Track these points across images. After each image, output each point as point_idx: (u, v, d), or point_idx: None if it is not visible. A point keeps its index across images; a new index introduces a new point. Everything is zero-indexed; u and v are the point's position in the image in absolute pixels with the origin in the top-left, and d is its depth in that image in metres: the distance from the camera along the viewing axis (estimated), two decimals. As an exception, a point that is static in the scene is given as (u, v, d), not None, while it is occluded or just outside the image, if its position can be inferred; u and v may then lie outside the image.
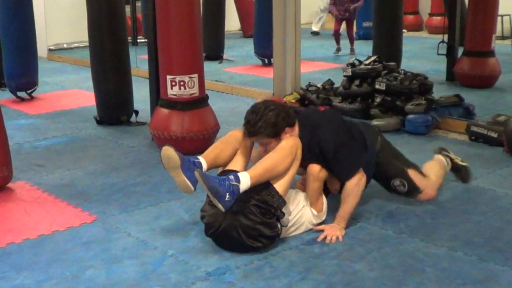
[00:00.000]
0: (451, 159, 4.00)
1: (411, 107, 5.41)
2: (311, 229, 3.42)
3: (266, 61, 9.02)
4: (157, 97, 5.08)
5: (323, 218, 3.48)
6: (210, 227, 3.22)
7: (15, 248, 3.32)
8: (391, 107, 5.62)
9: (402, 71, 5.84)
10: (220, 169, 3.42)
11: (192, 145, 4.68)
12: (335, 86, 6.48)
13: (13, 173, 4.24)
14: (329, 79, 6.68)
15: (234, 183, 3.05)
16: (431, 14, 12.66)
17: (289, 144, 3.26)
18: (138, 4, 11.50)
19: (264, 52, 8.91)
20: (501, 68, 7.35)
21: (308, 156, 3.34)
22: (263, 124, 3.23)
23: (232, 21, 12.45)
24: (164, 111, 4.88)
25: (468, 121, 5.35)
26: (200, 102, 4.89)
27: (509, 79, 7.57)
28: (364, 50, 8.68)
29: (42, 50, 10.59)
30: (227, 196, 3.03)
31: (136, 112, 5.95)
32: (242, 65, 9.42)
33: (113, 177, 4.42)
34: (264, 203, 3.13)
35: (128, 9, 10.58)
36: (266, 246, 3.18)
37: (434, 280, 2.90)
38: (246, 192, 3.10)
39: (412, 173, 3.67)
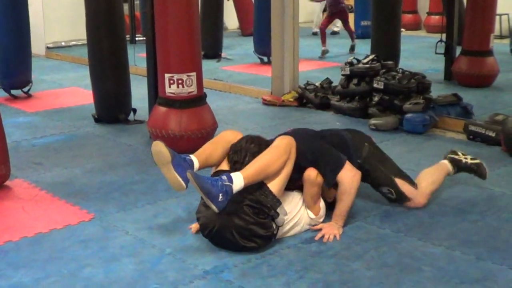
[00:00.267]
0: (460, 162, 3.87)
1: (409, 106, 5.41)
2: (308, 229, 3.42)
3: (266, 59, 9.02)
4: (155, 95, 5.08)
5: (320, 221, 3.46)
6: (205, 228, 3.22)
7: (13, 246, 3.32)
8: (389, 106, 5.63)
9: (400, 70, 5.84)
10: (213, 169, 3.42)
11: (190, 143, 4.68)
12: (333, 85, 6.49)
13: (11, 171, 4.24)
14: (327, 78, 6.69)
15: (227, 183, 3.04)
16: (429, 13, 12.66)
17: (283, 143, 3.26)
18: (137, 2, 11.49)
19: (264, 50, 8.91)
20: (499, 67, 7.35)
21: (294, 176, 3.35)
22: (250, 157, 3.26)
23: (230, 20, 12.46)
24: (162, 109, 4.88)
25: (466, 120, 5.35)
26: (198, 100, 4.89)
27: (507, 78, 7.58)
28: (363, 49, 8.68)
29: (40, 48, 10.61)
30: (220, 197, 3.02)
31: (134, 110, 5.94)
32: (240, 64, 9.41)
33: (111, 175, 4.42)
34: (257, 203, 3.13)
35: (126, 7, 10.57)
36: (261, 246, 3.18)
37: (432, 279, 2.90)
38: (239, 192, 3.10)
39: (400, 182, 3.64)
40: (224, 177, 3.06)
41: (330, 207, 3.51)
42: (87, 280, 2.95)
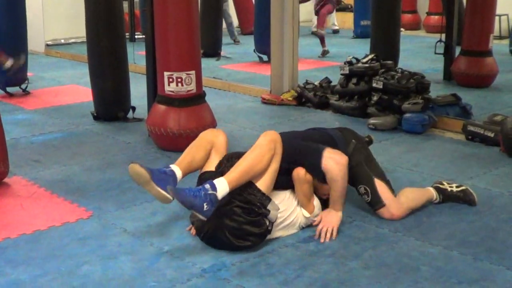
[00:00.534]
0: (445, 191, 3.77)
1: (408, 106, 5.42)
2: (307, 226, 3.42)
3: (265, 58, 9.03)
4: (154, 94, 5.07)
5: (316, 219, 3.46)
6: (200, 231, 3.23)
7: (11, 243, 3.32)
8: (388, 106, 5.63)
9: (400, 70, 5.84)
10: (200, 170, 3.41)
11: (189, 141, 4.60)
12: (333, 84, 6.49)
13: (9, 168, 4.24)
14: (326, 77, 6.69)
15: (211, 192, 3.02)
16: (429, 13, 12.66)
17: (266, 140, 3.24)
18: (136, 0, 11.48)
19: (265, 49, 8.92)
20: (498, 68, 7.35)
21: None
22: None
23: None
24: (161, 107, 4.88)
25: (465, 120, 5.35)
26: (197, 99, 4.89)
27: (506, 78, 7.59)
28: (362, 49, 8.67)
29: (39, 45, 10.61)
30: (205, 206, 2.99)
31: (133, 108, 5.94)
32: (239, 62, 9.41)
33: (109, 173, 4.42)
34: (247, 203, 3.13)
35: (126, 5, 10.56)
36: (256, 243, 3.18)
37: (429, 279, 2.91)
38: (228, 194, 3.10)
39: (379, 183, 3.55)
40: (207, 186, 3.04)
41: (326, 203, 3.51)
42: (85, 277, 2.95)
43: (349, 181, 3.67)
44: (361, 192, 3.59)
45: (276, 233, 3.30)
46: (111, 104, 5.85)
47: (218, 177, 3.13)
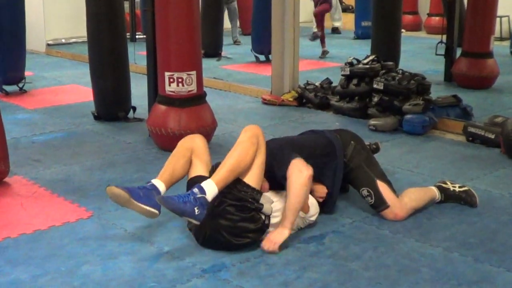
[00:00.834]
0: (447, 190, 3.77)
1: (409, 107, 5.42)
2: (307, 227, 3.43)
3: (263, 57, 9.07)
4: (155, 94, 5.08)
5: (313, 219, 3.46)
6: (198, 237, 3.23)
7: (11, 242, 3.32)
8: (389, 107, 5.63)
9: (400, 71, 5.84)
10: (188, 177, 3.40)
11: (190, 142, 4.68)
12: (333, 85, 6.49)
13: (10, 168, 4.24)
14: (327, 78, 6.69)
15: (200, 195, 3.02)
16: (430, 14, 12.66)
17: (247, 136, 3.24)
18: (137, 0, 11.49)
19: (262, 49, 8.95)
20: (499, 69, 7.36)
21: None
22: None
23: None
24: (162, 107, 4.88)
25: (465, 122, 5.36)
26: (198, 99, 4.89)
27: (507, 80, 7.59)
28: (363, 50, 8.67)
29: (40, 44, 10.62)
30: (196, 211, 2.99)
31: (134, 108, 5.94)
32: (240, 63, 9.41)
33: (110, 173, 4.42)
34: (239, 200, 3.13)
35: (127, 5, 10.57)
36: (255, 239, 3.18)
37: (429, 280, 2.91)
38: (218, 195, 3.10)
39: (381, 185, 3.54)
40: (196, 190, 3.04)
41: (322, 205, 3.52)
42: (85, 277, 2.95)
43: (351, 184, 3.69)
44: (364, 194, 3.58)
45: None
46: (111, 104, 5.85)
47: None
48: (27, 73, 7.44)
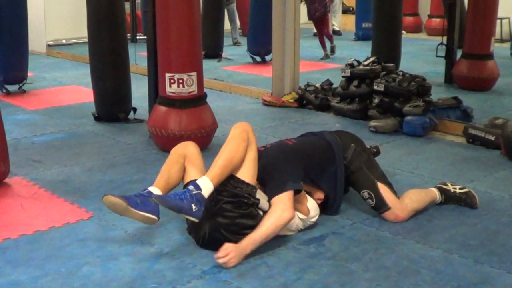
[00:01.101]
0: (448, 191, 3.77)
1: (409, 108, 5.42)
2: (307, 229, 3.42)
3: (259, 59, 9.09)
4: (156, 95, 5.08)
5: (313, 221, 3.46)
6: (198, 239, 3.22)
7: (11, 243, 3.32)
8: (389, 108, 5.63)
9: (401, 73, 5.84)
10: (183, 183, 3.41)
11: (190, 143, 4.68)
12: (334, 86, 6.49)
13: (10, 169, 4.24)
14: (328, 79, 6.69)
15: (196, 192, 3.05)
16: (430, 16, 12.67)
17: (237, 132, 3.27)
18: (138, 1, 11.50)
19: (258, 50, 8.98)
20: (499, 71, 7.36)
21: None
22: None
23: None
24: (162, 108, 4.88)
25: (466, 123, 5.36)
26: (198, 100, 4.89)
27: (507, 82, 7.59)
28: (363, 51, 8.68)
29: (41, 45, 10.62)
30: (194, 207, 3.01)
31: (134, 109, 5.94)
32: (241, 64, 9.42)
33: (110, 174, 4.43)
34: (234, 197, 3.13)
35: (127, 5, 10.58)
36: None
37: (429, 282, 2.90)
38: (214, 193, 3.12)
39: (382, 187, 3.54)
40: (191, 187, 3.07)
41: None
42: (85, 278, 2.95)
43: (351, 186, 3.68)
44: (364, 197, 3.58)
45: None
46: (112, 105, 5.85)
47: None
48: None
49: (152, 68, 5.21)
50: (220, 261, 3.02)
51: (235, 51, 10.62)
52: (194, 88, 4.82)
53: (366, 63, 6.04)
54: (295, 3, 6.59)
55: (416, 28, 13.08)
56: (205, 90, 5.05)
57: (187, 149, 3.43)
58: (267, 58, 9.08)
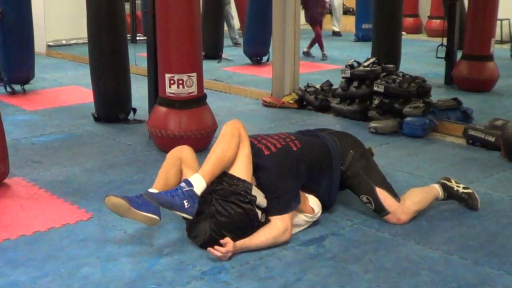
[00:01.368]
0: (451, 189, 3.76)
1: (409, 109, 5.42)
2: (307, 230, 3.43)
3: (257, 59, 9.12)
4: (156, 95, 5.08)
5: (318, 215, 3.49)
6: (199, 240, 3.22)
7: (11, 244, 3.31)
8: (389, 109, 5.63)
9: (401, 74, 5.84)
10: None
11: (189, 144, 4.62)
12: (334, 87, 6.49)
13: (9, 169, 4.24)
14: (328, 80, 6.69)
15: (187, 188, 3.07)
16: (430, 17, 12.67)
17: (228, 129, 3.29)
18: (138, 1, 11.50)
19: (253, 51, 9.00)
20: (499, 72, 7.36)
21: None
22: None
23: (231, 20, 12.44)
24: (162, 109, 4.88)
25: (466, 124, 5.35)
26: (198, 101, 4.89)
27: (507, 83, 7.59)
28: (363, 52, 8.68)
29: (40, 46, 10.59)
30: (186, 204, 3.03)
31: (134, 110, 5.94)
32: (240, 65, 9.41)
33: (110, 175, 4.42)
34: (231, 195, 3.13)
35: (127, 6, 10.57)
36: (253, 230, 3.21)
37: (429, 283, 2.90)
38: (210, 193, 3.14)
39: (381, 192, 3.52)
40: (183, 184, 3.10)
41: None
42: (85, 279, 2.94)
43: (350, 190, 3.68)
44: (364, 201, 3.59)
45: None
46: (112, 106, 5.85)
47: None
48: (27, 74, 7.45)
49: (152, 69, 5.21)
50: (218, 253, 3.06)
51: (235, 52, 10.62)
52: (194, 89, 4.82)
53: (366, 64, 6.04)
54: (295, 4, 6.59)
55: (416, 29, 13.07)
56: (205, 91, 5.05)
57: (183, 153, 3.44)
58: (266, 59, 9.11)
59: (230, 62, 9.67)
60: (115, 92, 5.80)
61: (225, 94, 7.34)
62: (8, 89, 7.18)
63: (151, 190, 3.24)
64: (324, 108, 6.34)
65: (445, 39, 7.61)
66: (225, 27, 10.75)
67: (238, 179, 3.18)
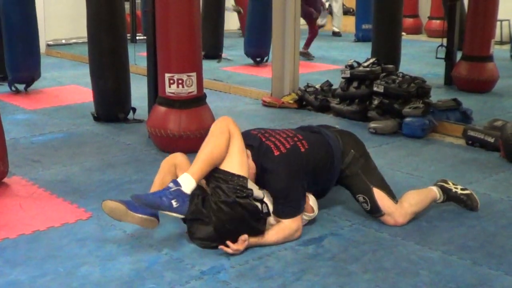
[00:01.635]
0: (449, 191, 3.75)
1: (409, 110, 5.42)
2: (306, 229, 3.43)
3: (258, 60, 9.11)
4: (155, 95, 5.08)
5: (316, 214, 3.50)
6: (207, 242, 3.21)
7: (10, 243, 3.31)
8: (389, 110, 5.63)
9: (401, 74, 5.84)
10: None
11: (189, 143, 4.68)
12: (333, 87, 6.49)
13: (9, 168, 4.23)
14: (327, 80, 6.69)
15: (175, 188, 3.09)
16: (430, 18, 12.66)
17: (216, 127, 3.29)
18: (138, 1, 11.49)
19: (253, 52, 9.00)
20: (499, 73, 7.35)
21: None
22: None
23: (231, 20, 12.46)
24: (162, 109, 4.88)
25: (465, 125, 5.36)
26: (198, 100, 4.89)
27: (507, 84, 7.59)
28: (363, 52, 8.69)
29: (40, 45, 10.58)
30: (174, 203, 3.05)
31: (134, 110, 5.94)
32: (240, 65, 9.41)
33: (109, 174, 4.42)
34: (228, 191, 3.12)
35: (127, 5, 10.57)
36: (260, 228, 3.23)
37: (428, 283, 2.91)
38: (205, 192, 3.18)
39: (378, 193, 3.51)
40: (171, 184, 3.12)
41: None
42: (84, 278, 2.94)
43: (347, 189, 3.68)
44: (360, 201, 3.58)
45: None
46: (111, 105, 5.85)
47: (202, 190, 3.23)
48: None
49: (151, 68, 5.21)
50: (229, 250, 3.11)
51: (235, 51, 10.61)
52: (193, 89, 4.82)
53: (366, 64, 6.04)
54: (295, 4, 6.59)
55: (416, 30, 13.07)
56: (204, 90, 5.05)
57: (177, 159, 3.45)
58: (265, 59, 9.12)
59: (230, 62, 9.67)
60: (114, 91, 5.80)
61: (225, 94, 7.34)
62: (13, 88, 7.18)
63: (138, 194, 3.22)
64: (323, 108, 6.34)
65: (445, 40, 7.60)
66: (226, 27, 10.74)
67: (232, 174, 3.17)
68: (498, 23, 9.36)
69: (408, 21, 12.28)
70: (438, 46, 7.66)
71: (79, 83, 7.93)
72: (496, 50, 7.72)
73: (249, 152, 3.35)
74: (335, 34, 13.19)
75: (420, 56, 9.89)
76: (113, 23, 5.69)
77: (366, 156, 3.70)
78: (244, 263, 3.08)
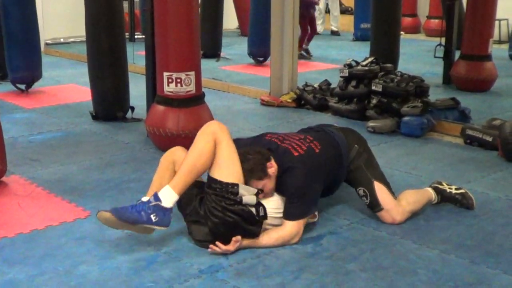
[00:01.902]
0: (444, 191, 3.77)
1: (407, 109, 5.42)
2: (305, 229, 3.43)
3: (261, 59, 9.10)
4: (154, 94, 5.08)
5: (315, 220, 3.49)
6: (206, 243, 3.21)
7: (8, 242, 3.31)
8: (387, 109, 5.63)
9: (399, 73, 5.84)
10: None
11: (187, 142, 4.61)
12: (332, 86, 6.49)
13: (7, 167, 4.23)
14: (326, 80, 6.69)
15: (154, 203, 3.09)
16: (429, 17, 12.67)
17: (201, 136, 3.25)
18: (136, 0, 11.48)
19: (258, 52, 8.98)
20: (497, 72, 7.36)
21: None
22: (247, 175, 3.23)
23: (230, 19, 12.46)
24: (160, 108, 4.88)
25: (464, 124, 5.36)
26: (196, 99, 4.89)
27: (505, 83, 7.60)
28: (362, 51, 8.69)
29: (39, 44, 10.59)
30: (153, 217, 3.06)
31: (132, 108, 5.94)
32: (239, 64, 9.41)
33: (107, 173, 4.42)
34: (218, 198, 3.12)
35: (126, 4, 10.55)
36: (256, 231, 3.21)
37: (426, 282, 2.91)
38: (198, 200, 3.20)
39: (378, 186, 3.52)
40: (151, 198, 3.11)
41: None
42: (82, 277, 2.94)
43: (348, 183, 3.68)
44: (360, 194, 3.58)
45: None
46: (110, 104, 5.85)
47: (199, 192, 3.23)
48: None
49: (150, 67, 5.21)
50: (218, 250, 3.11)
51: (234, 51, 10.61)
52: (192, 88, 4.82)
53: (364, 63, 6.04)
54: (294, 3, 6.59)
55: (414, 29, 13.07)
56: (203, 89, 5.04)
57: (176, 155, 3.42)
58: (268, 59, 9.10)
59: (229, 61, 9.67)
60: (113, 90, 5.79)
61: (224, 93, 7.34)
62: (16, 87, 7.17)
63: (144, 198, 3.19)
64: (322, 107, 6.34)
65: (443, 39, 7.61)
66: (225, 26, 10.74)
67: (221, 182, 3.14)
68: (497, 22, 9.36)
69: (406, 20, 12.28)
70: (437, 45, 7.67)
71: (77, 82, 7.92)
72: (495, 49, 7.73)
73: (271, 156, 3.34)
74: (334, 33, 13.19)
75: (419, 55, 9.90)
76: (111, 22, 5.69)
77: (369, 151, 3.73)
78: (243, 262, 3.09)
